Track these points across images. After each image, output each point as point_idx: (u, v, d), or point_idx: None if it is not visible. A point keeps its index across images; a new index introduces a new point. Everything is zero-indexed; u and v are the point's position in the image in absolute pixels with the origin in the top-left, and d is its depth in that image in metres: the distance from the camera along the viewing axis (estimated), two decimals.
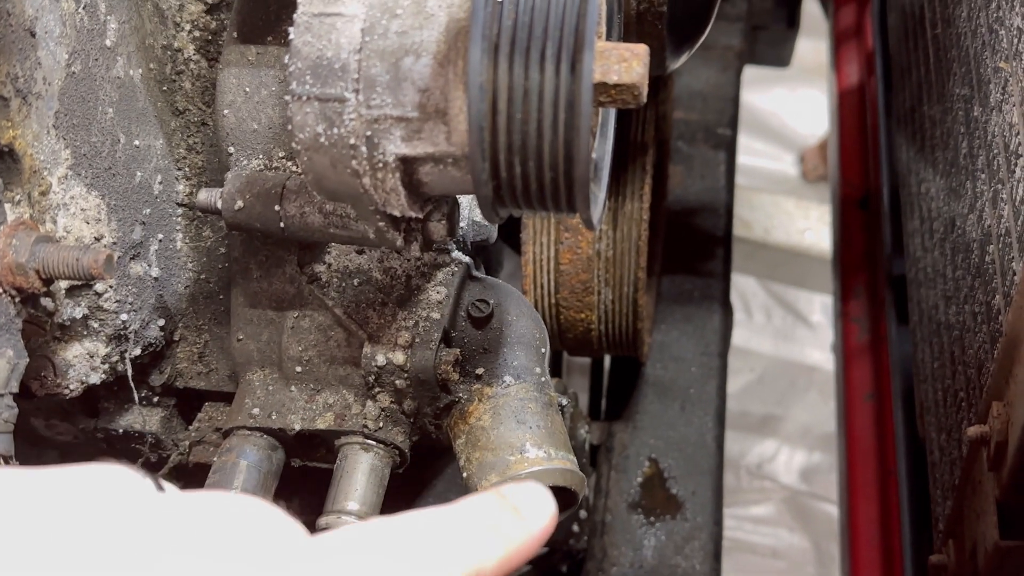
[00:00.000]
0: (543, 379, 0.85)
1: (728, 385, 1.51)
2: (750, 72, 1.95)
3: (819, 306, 2.56)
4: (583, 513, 1.28)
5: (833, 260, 1.73)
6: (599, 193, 0.68)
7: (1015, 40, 0.74)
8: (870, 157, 1.68)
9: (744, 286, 2.60)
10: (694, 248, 1.52)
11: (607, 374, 1.48)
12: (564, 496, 0.81)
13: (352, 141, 0.64)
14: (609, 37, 0.69)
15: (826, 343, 2.29)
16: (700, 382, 1.44)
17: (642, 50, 0.61)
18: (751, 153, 2.72)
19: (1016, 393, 0.68)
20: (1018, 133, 0.71)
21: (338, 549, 0.50)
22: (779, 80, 2.62)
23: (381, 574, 0.49)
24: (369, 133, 0.64)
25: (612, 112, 0.71)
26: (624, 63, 0.61)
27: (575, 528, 1.24)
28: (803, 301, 2.60)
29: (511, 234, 1.28)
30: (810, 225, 2.48)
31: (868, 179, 1.69)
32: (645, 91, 0.61)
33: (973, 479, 0.79)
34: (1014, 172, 0.73)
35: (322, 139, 0.64)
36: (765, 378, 2.51)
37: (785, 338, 2.59)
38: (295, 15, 0.65)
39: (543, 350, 0.86)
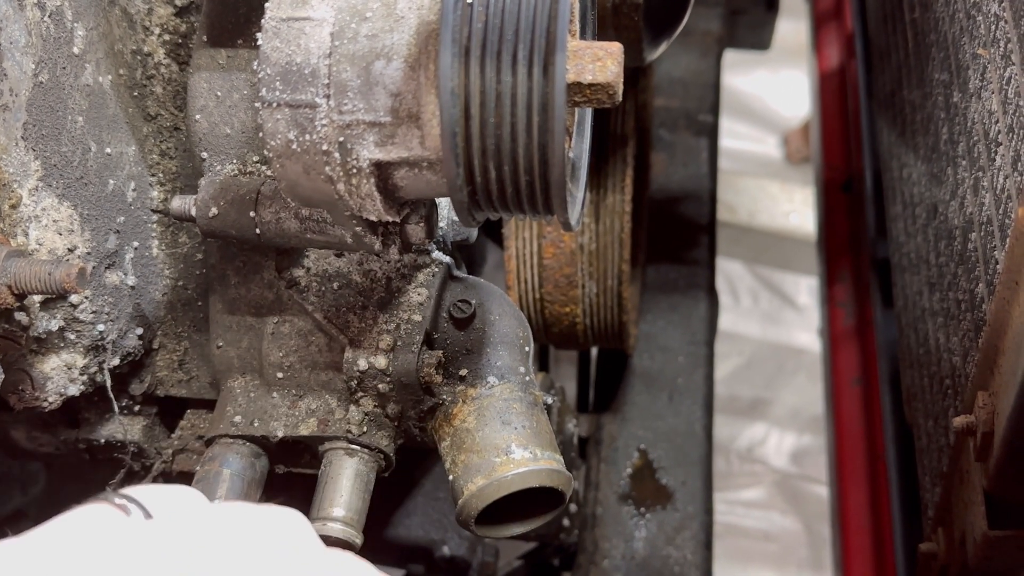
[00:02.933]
0: (527, 378, 0.84)
1: (717, 369, 1.50)
2: (732, 55, 1.94)
3: (805, 288, 2.56)
4: (573, 507, 1.28)
5: (818, 244, 1.73)
6: (577, 193, 0.67)
7: (992, 27, 0.73)
8: (852, 140, 1.67)
9: (730, 270, 2.60)
10: (678, 236, 1.52)
11: (595, 365, 1.47)
12: (551, 495, 0.81)
13: (325, 147, 0.63)
14: (583, 35, 0.68)
15: (813, 325, 2.29)
16: (687, 371, 1.44)
17: (616, 48, 0.60)
18: (735, 136, 2.72)
19: (1001, 383, 0.67)
20: (997, 121, 0.71)
21: None
22: (761, 62, 2.61)
23: None
24: (342, 139, 0.63)
25: (588, 111, 0.70)
26: (598, 62, 0.60)
27: (566, 522, 1.24)
28: (789, 284, 2.60)
29: (493, 228, 1.27)
30: (795, 208, 2.48)
31: (851, 162, 1.68)
32: (620, 90, 0.60)
33: (961, 469, 0.78)
34: (994, 160, 0.72)
35: (294, 146, 0.63)
36: (753, 362, 2.51)
37: (772, 321, 2.59)
38: (263, 19, 0.64)
39: (527, 349, 0.86)
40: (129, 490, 0.53)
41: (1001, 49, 0.70)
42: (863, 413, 1.44)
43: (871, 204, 1.45)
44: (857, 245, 1.60)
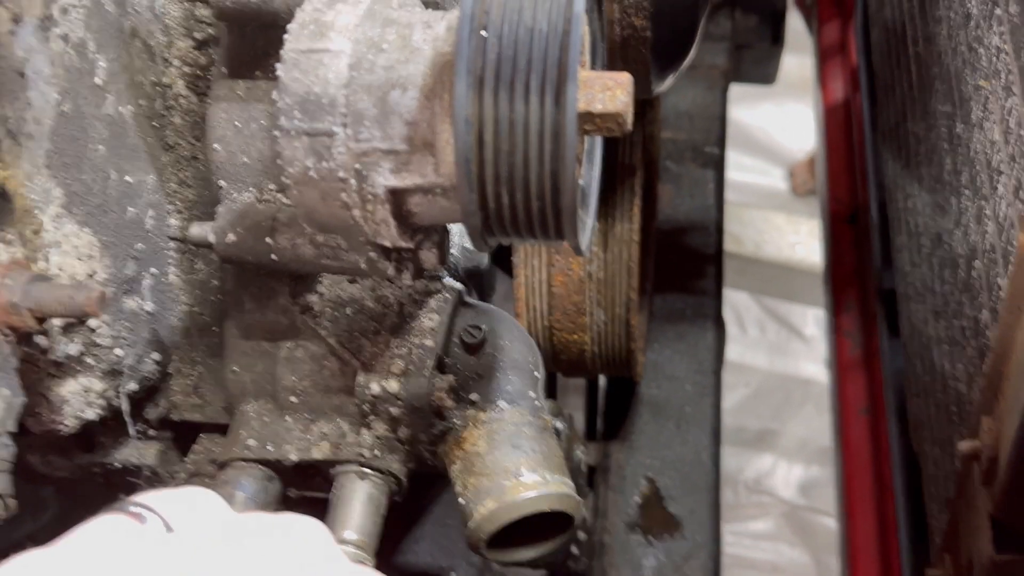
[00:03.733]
0: (537, 403, 0.85)
1: (724, 400, 1.51)
2: (737, 89, 1.97)
3: (812, 319, 2.57)
4: (582, 535, 1.28)
5: (824, 275, 1.74)
6: (587, 219, 0.69)
7: (993, 58, 0.75)
8: (857, 172, 1.69)
9: (737, 301, 2.60)
10: (685, 266, 1.53)
11: (602, 394, 1.48)
12: (560, 520, 0.81)
13: (341, 174, 0.65)
14: (593, 66, 0.70)
15: (820, 356, 2.30)
16: (695, 400, 1.45)
17: (625, 78, 0.62)
18: (741, 169, 2.74)
19: (1005, 408, 0.68)
20: (999, 150, 0.72)
21: None
22: (767, 96, 2.63)
23: None
24: (358, 166, 0.64)
25: (598, 139, 0.72)
26: (608, 92, 0.61)
27: (574, 550, 1.24)
28: (796, 315, 2.60)
29: (503, 257, 1.29)
30: (801, 239, 2.49)
31: (856, 194, 1.70)
32: (630, 119, 0.62)
33: (967, 494, 0.79)
34: (996, 189, 0.73)
35: (312, 173, 0.65)
36: (761, 392, 2.51)
37: (780, 352, 2.59)
38: (283, 51, 0.66)
39: (536, 374, 0.87)
40: (146, 497, 0.54)
41: (1002, 80, 0.72)
42: (870, 442, 1.45)
43: (876, 235, 1.46)
44: (863, 275, 1.61)
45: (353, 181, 0.65)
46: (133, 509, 0.52)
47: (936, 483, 0.97)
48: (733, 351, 2.37)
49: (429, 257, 0.73)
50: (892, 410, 1.30)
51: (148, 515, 0.52)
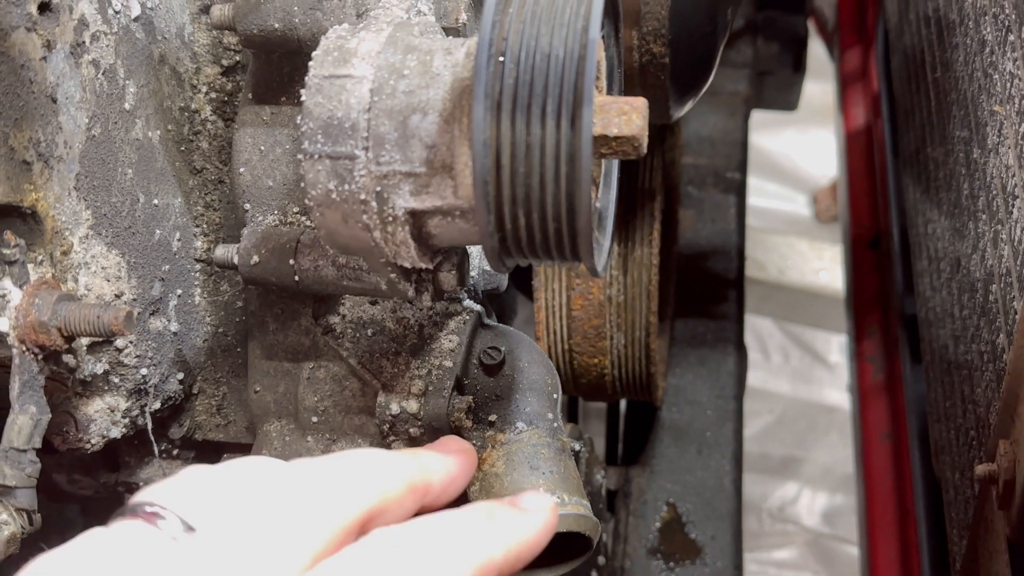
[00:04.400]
0: (555, 424, 0.86)
1: (747, 427, 1.51)
2: (760, 115, 1.98)
3: (836, 346, 2.56)
4: (602, 559, 1.28)
5: (846, 300, 1.74)
6: (604, 241, 0.69)
7: (1008, 84, 0.75)
8: (879, 198, 1.69)
9: (760, 327, 2.60)
10: (707, 291, 1.54)
11: (623, 418, 1.48)
12: (579, 542, 0.82)
13: (363, 196, 0.66)
14: (610, 91, 0.71)
15: (845, 383, 2.29)
16: (716, 425, 1.45)
17: (641, 103, 0.63)
18: (764, 195, 2.74)
19: (1021, 431, 0.68)
20: (1014, 175, 0.73)
21: (345, 564, 0.51)
22: (789, 122, 2.64)
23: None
24: (379, 188, 0.66)
25: (615, 163, 0.73)
26: (624, 116, 0.62)
27: (594, 574, 1.24)
28: (820, 341, 2.60)
29: (524, 281, 1.30)
30: (824, 265, 2.49)
31: (878, 219, 1.70)
32: (645, 142, 0.63)
33: (985, 518, 0.79)
34: (1012, 213, 0.74)
35: (334, 195, 0.66)
36: (784, 419, 2.50)
37: (803, 379, 2.58)
38: (307, 77, 0.67)
39: (555, 396, 0.88)
40: (162, 492, 0.54)
41: (1016, 106, 0.73)
42: (893, 468, 1.44)
43: (898, 260, 1.46)
44: (885, 301, 1.61)
45: (374, 203, 0.66)
46: (148, 509, 0.52)
47: (956, 508, 0.96)
48: (757, 377, 2.37)
49: (448, 279, 0.74)
50: (915, 435, 1.30)
51: (165, 514, 0.52)
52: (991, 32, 0.81)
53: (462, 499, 0.85)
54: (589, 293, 1.16)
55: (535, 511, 0.61)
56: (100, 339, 0.79)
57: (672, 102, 1.00)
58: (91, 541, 0.52)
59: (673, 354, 1.48)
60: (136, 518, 0.52)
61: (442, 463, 0.64)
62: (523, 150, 0.60)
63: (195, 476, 0.56)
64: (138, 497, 0.54)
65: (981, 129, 0.85)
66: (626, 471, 1.42)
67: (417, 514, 0.62)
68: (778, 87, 1.86)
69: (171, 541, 0.51)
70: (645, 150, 0.63)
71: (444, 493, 0.64)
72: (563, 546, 0.81)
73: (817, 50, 2.13)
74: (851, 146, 1.87)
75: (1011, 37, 0.74)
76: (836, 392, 2.48)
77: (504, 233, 0.63)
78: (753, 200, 2.14)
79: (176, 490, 0.54)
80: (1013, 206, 0.74)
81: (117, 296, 0.80)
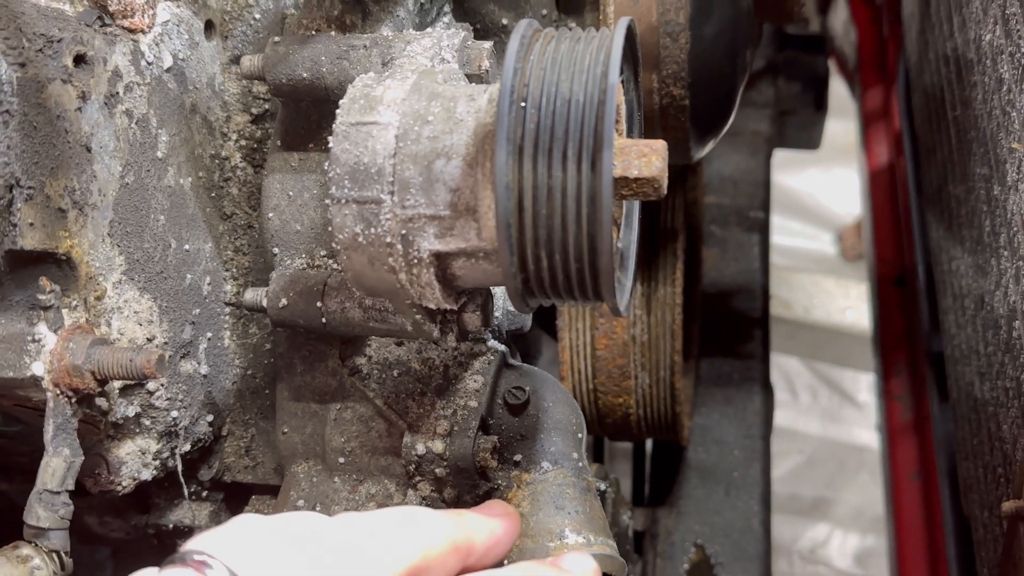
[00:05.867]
0: (580, 464, 0.86)
1: (777, 468, 1.50)
2: (784, 154, 1.99)
3: (865, 385, 2.54)
4: None
5: (873, 338, 1.73)
6: (626, 281, 0.70)
7: None
8: (904, 235, 1.69)
9: (788, 367, 2.59)
10: (732, 330, 1.53)
11: (649, 458, 1.48)
12: None
13: (388, 240, 0.67)
14: (630, 133, 0.72)
15: (874, 422, 2.27)
16: (744, 465, 1.44)
17: (660, 145, 0.64)
18: (789, 234, 2.74)
19: None
20: None
21: None
22: (813, 161, 2.65)
23: None
24: (404, 231, 0.67)
25: (636, 204, 0.74)
26: (644, 158, 0.64)
27: None
28: (849, 380, 2.58)
29: (548, 321, 1.30)
30: (851, 303, 2.48)
31: (903, 257, 1.69)
32: (665, 184, 0.64)
33: (1013, 555, 0.78)
34: None
35: (360, 239, 0.68)
36: (814, 460, 2.48)
37: (832, 418, 2.56)
38: (335, 124, 0.69)
39: (580, 435, 0.88)
40: (207, 541, 0.54)
41: None
42: (923, 507, 1.43)
43: (924, 298, 1.46)
44: (912, 339, 1.60)
45: (399, 246, 0.67)
46: (197, 558, 0.53)
47: (986, 547, 0.96)
48: (785, 417, 2.35)
49: (473, 319, 0.75)
50: (944, 474, 1.29)
51: (213, 563, 0.52)
52: (1008, 70, 0.82)
53: None
54: (613, 333, 1.17)
55: (577, 573, 0.61)
56: (132, 382, 0.81)
57: (693, 143, 1.01)
58: None
59: (699, 393, 1.47)
60: (186, 567, 0.53)
61: (486, 525, 0.65)
62: (545, 193, 0.61)
63: (244, 526, 0.57)
64: (189, 545, 0.55)
65: (1000, 166, 0.85)
66: (653, 512, 1.41)
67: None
68: (800, 126, 1.87)
69: None
70: (665, 191, 0.64)
71: (487, 555, 0.64)
72: None
73: (839, 89, 2.14)
74: (874, 184, 1.87)
75: None
76: (866, 431, 2.46)
77: (527, 274, 0.64)
78: (778, 239, 2.14)
79: (225, 539, 0.55)
80: None
81: (149, 340, 0.82)
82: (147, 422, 0.84)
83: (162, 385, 0.83)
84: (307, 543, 0.56)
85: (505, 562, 0.84)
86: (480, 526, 0.64)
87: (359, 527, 0.58)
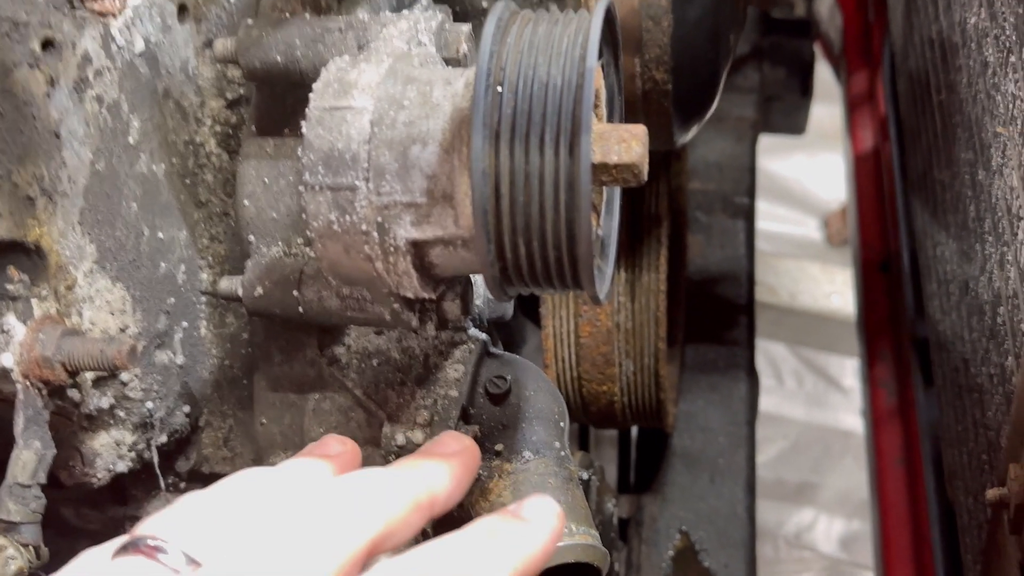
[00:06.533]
0: (563, 453, 0.85)
1: (762, 453, 1.50)
2: (769, 140, 1.98)
3: (850, 370, 2.55)
4: None
5: (858, 324, 1.73)
6: (606, 269, 0.69)
7: (1010, 105, 0.75)
8: (889, 221, 1.69)
9: (773, 352, 2.59)
10: (717, 317, 1.53)
11: (634, 446, 1.48)
12: (587, 572, 0.81)
13: (364, 227, 0.66)
14: (610, 118, 0.71)
15: (859, 407, 2.27)
16: (729, 452, 1.44)
17: (640, 130, 0.63)
18: (775, 219, 2.74)
19: None
20: (1018, 196, 0.72)
21: None
22: (798, 147, 2.64)
23: None
24: (380, 219, 0.66)
25: (617, 190, 0.73)
26: (623, 143, 0.62)
27: None
28: (834, 365, 2.58)
29: (531, 309, 1.29)
30: (836, 289, 2.48)
31: (888, 243, 1.69)
32: (646, 170, 0.63)
33: (997, 543, 0.78)
34: (1017, 234, 0.73)
35: (335, 226, 0.67)
36: (799, 445, 2.49)
37: (818, 404, 2.57)
38: (308, 109, 0.68)
39: (562, 424, 0.87)
40: (162, 523, 0.52)
41: (1019, 127, 0.72)
42: (907, 493, 1.43)
43: (908, 283, 1.45)
44: (897, 324, 1.60)
45: (375, 234, 0.66)
46: (150, 543, 0.51)
47: (970, 533, 0.95)
48: (770, 403, 2.35)
49: (452, 308, 0.74)
50: (928, 460, 1.29)
51: (167, 547, 0.51)
52: (993, 54, 0.81)
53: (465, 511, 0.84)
54: (597, 320, 1.16)
55: (538, 519, 0.60)
56: (105, 373, 0.79)
57: (676, 128, 1.00)
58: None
59: (684, 380, 1.47)
60: (138, 553, 0.52)
61: (445, 471, 0.63)
62: (522, 179, 0.60)
63: (195, 505, 0.55)
64: (140, 529, 0.54)
65: (985, 151, 0.84)
66: (638, 499, 1.41)
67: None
68: (785, 111, 1.86)
69: None
70: (646, 178, 0.63)
71: (451, 499, 0.63)
72: None
73: (824, 74, 2.13)
74: (860, 169, 1.86)
75: (1012, 58, 0.74)
76: (851, 416, 2.47)
77: (505, 262, 0.63)
78: (763, 224, 2.14)
79: (177, 521, 0.54)
80: (1018, 227, 0.73)
81: (122, 330, 0.80)
82: (121, 413, 0.83)
83: (136, 376, 0.82)
84: (265, 515, 0.54)
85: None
86: (439, 474, 0.62)
87: (319, 498, 0.56)
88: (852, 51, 1.99)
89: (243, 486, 0.57)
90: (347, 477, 0.60)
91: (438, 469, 0.62)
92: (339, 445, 0.66)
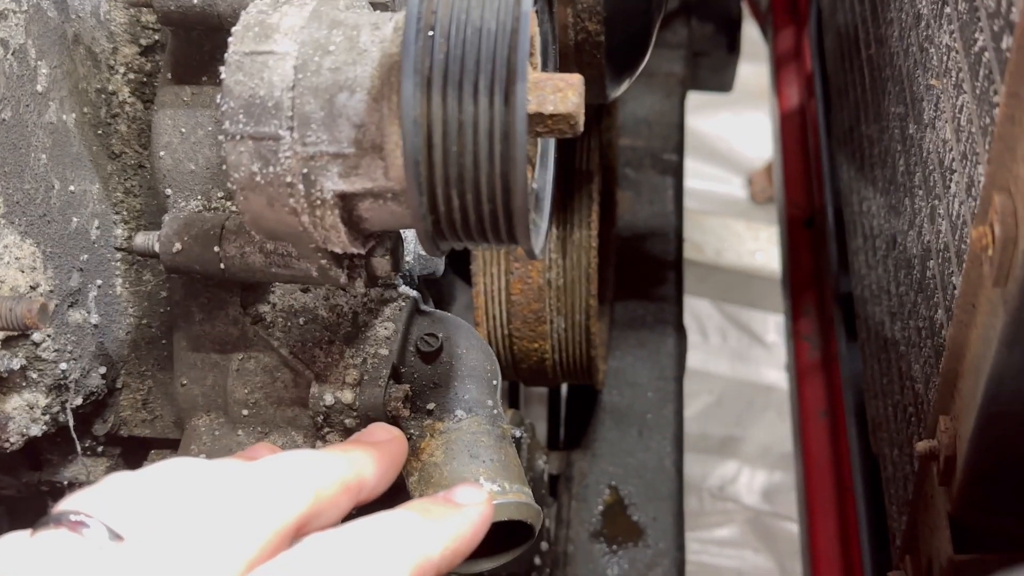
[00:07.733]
0: (495, 412, 0.84)
1: (687, 408, 1.51)
2: (696, 98, 1.98)
3: (773, 326, 2.59)
4: (545, 545, 1.27)
5: (782, 280, 1.75)
6: (541, 223, 0.68)
7: (944, 57, 0.75)
8: (814, 178, 1.70)
9: (699, 308, 2.61)
10: (646, 273, 1.53)
11: (565, 403, 1.47)
12: (521, 529, 0.80)
13: (288, 179, 0.63)
14: (545, 68, 0.69)
15: (782, 362, 2.31)
16: (657, 407, 1.44)
17: (576, 80, 0.61)
18: (700, 177, 2.75)
19: (961, 407, 0.68)
20: (951, 149, 0.73)
21: (280, 572, 0.50)
22: (724, 105, 2.65)
23: None
24: (305, 171, 0.63)
25: (552, 142, 0.71)
26: (559, 93, 0.61)
27: (537, 560, 1.23)
28: (757, 321, 2.62)
29: (462, 266, 1.28)
30: (760, 246, 2.51)
31: (813, 199, 1.71)
32: (582, 120, 0.61)
33: (925, 494, 0.79)
34: (949, 187, 0.74)
35: (258, 178, 0.64)
36: (723, 400, 2.52)
37: (741, 359, 2.60)
38: (227, 54, 0.64)
39: (495, 382, 0.86)
40: (85, 499, 0.51)
41: (953, 79, 0.72)
42: (830, 445, 1.45)
43: (833, 239, 1.47)
44: (821, 280, 1.62)
45: (301, 186, 0.63)
46: (73, 519, 0.50)
47: (895, 484, 0.97)
48: (695, 359, 2.38)
49: (382, 264, 0.72)
50: (851, 413, 1.31)
51: (90, 522, 0.50)
52: (926, 5, 0.81)
53: (402, 494, 0.83)
54: (528, 277, 1.14)
55: (469, 505, 0.61)
56: (15, 333, 0.76)
57: (608, 81, 0.99)
58: (13, 551, 0.49)
59: (613, 337, 1.47)
60: (60, 527, 0.50)
61: (374, 457, 0.63)
62: (455, 128, 0.58)
63: (121, 482, 0.54)
64: (62, 505, 0.52)
65: (917, 104, 0.85)
66: (568, 455, 1.41)
67: (354, 509, 0.61)
68: (713, 68, 1.86)
69: (97, 551, 0.49)
70: (582, 128, 0.61)
71: (379, 486, 0.63)
72: (505, 534, 0.80)
73: (752, 33, 2.14)
74: (785, 127, 1.87)
75: (947, 9, 0.73)
76: (774, 371, 2.51)
77: (437, 215, 0.61)
78: (690, 182, 2.14)
79: (101, 497, 0.52)
80: (951, 180, 0.73)
81: (32, 288, 0.76)
82: (34, 375, 0.79)
83: (48, 336, 0.78)
84: (191, 494, 0.53)
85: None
86: (368, 459, 0.62)
87: (246, 475, 0.55)
88: (779, 8, 1.99)
89: (172, 467, 0.56)
90: (277, 456, 0.58)
91: (366, 456, 0.63)
92: (269, 452, 0.66)
